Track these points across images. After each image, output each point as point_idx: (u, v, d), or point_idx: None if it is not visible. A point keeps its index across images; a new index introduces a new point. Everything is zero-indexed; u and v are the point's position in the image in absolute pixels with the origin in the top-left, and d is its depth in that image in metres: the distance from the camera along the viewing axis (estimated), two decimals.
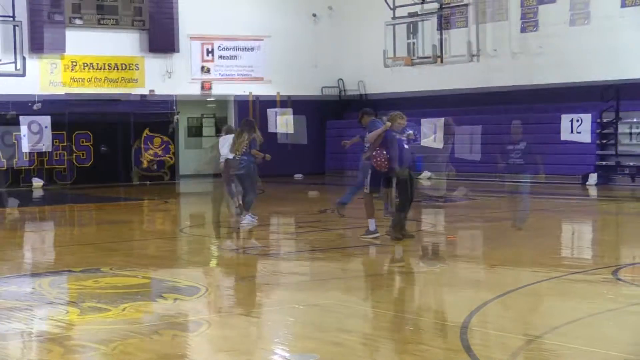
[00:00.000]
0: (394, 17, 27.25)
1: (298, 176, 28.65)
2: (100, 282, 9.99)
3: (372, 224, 13.15)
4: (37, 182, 25.52)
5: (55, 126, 25.44)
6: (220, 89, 29.00)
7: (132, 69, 27.31)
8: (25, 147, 24.97)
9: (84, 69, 26.56)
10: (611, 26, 23.25)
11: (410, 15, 27.05)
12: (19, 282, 10.30)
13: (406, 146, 12.55)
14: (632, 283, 9.91)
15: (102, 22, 26.78)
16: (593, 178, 23.21)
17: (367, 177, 13.11)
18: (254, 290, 9.82)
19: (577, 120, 23.25)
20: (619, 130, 23.19)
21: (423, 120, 23.18)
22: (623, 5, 23.26)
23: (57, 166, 25.99)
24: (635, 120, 22.96)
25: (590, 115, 23.11)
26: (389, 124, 12.48)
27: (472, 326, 7.45)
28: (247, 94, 29.30)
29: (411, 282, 10.28)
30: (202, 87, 28.62)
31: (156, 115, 27.47)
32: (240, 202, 14.32)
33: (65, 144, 26.05)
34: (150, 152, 27.45)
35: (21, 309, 8.50)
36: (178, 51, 27.75)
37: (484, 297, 8.70)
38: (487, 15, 25.77)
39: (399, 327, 7.77)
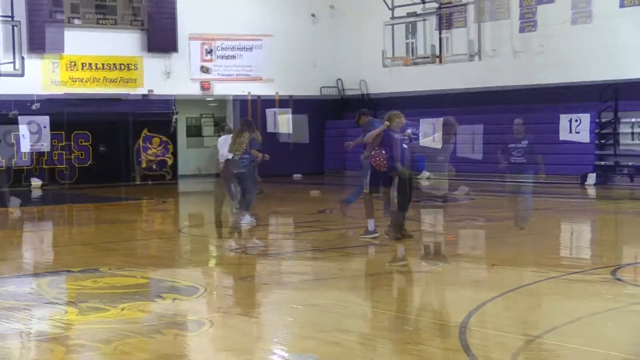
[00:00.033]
0: (393, 17, 27.27)
1: (297, 176, 28.64)
2: (99, 282, 9.99)
3: (371, 224, 13.14)
4: (36, 182, 25.51)
5: (54, 126, 25.43)
6: (219, 89, 28.99)
7: (131, 69, 27.30)
8: (25, 147, 24.96)
9: (83, 68, 26.54)
10: (610, 26, 23.25)
11: (409, 15, 27.07)
12: (17, 282, 10.30)
13: (405, 145, 12.54)
14: (631, 283, 9.91)
15: (100, 22, 26.77)
16: (592, 178, 23.21)
17: (367, 177, 13.10)
18: (253, 290, 9.81)
19: (576, 120, 23.26)
20: (619, 130, 23.18)
21: (422, 120, 23.20)
22: (622, 5, 23.26)
23: (58, 166, 25.97)
24: (634, 120, 22.96)
25: (589, 115, 23.12)
26: (387, 123, 12.47)
27: (471, 326, 7.45)
28: (246, 93, 29.29)
29: (410, 282, 10.27)
30: (202, 87, 28.60)
31: (155, 115, 27.45)
32: (239, 202, 14.31)
33: (64, 143, 26.03)
34: (150, 152, 27.44)
35: (20, 309, 8.49)
36: (177, 51, 27.74)
37: (483, 297, 8.69)
38: (488, 14, 25.77)
39: (397, 327, 7.76)
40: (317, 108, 29.63)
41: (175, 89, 27.85)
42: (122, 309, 8.33)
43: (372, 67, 28.56)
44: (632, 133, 22.92)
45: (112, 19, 26.90)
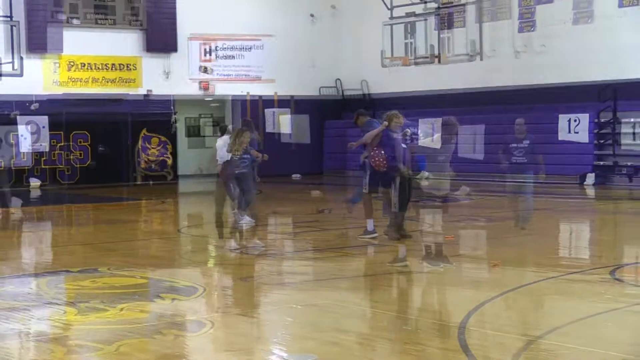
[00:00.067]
0: (392, 17, 27.27)
1: (296, 176, 28.64)
2: (97, 282, 9.99)
3: (370, 224, 13.14)
4: (35, 182, 25.49)
5: (52, 126, 25.42)
6: (218, 89, 28.98)
7: (130, 69, 27.28)
8: (24, 147, 24.95)
9: (82, 69, 26.52)
10: (609, 26, 23.25)
11: (408, 15, 27.08)
12: (16, 283, 10.29)
13: (404, 145, 12.53)
14: (629, 283, 9.91)
15: (99, 22, 26.75)
16: (591, 178, 23.21)
17: (366, 177, 13.10)
18: (252, 291, 9.81)
19: (575, 120, 23.26)
20: (620, 130, 23.17)
21: (421, 120, 23.17)
22: (620, 5, 23.27)
23: (58, 166, 25.94)
24: (632, 120, 22.96)
25: (587, 115, 23.12)
26: (386, 123, 12.47)
27: (470, 326, 7.45)
28: (245, 93, 29.28)
29: (409, 282, 10.27)
30: (201, 87, 28.57)
31: (154, 115, 27.44)
32: (238, 202, 14.29)
33: (62, 143, 26.01)
34: (150, 152, 27.42)
35: (19, 309, 8.48)
36: (176, 51, 27.73)
37: (482, 297, 8.70)
38: (490, 14, 25.77)
39: (396, 327, 7.76)
40: (316, 108, 29.63)
41: (175, 89, 27.84)
42: (121, 309, 8.33)
43: (372, 67, 28.56)
44: (633, 133, 22.88)
45: (111, 19, 26.88)
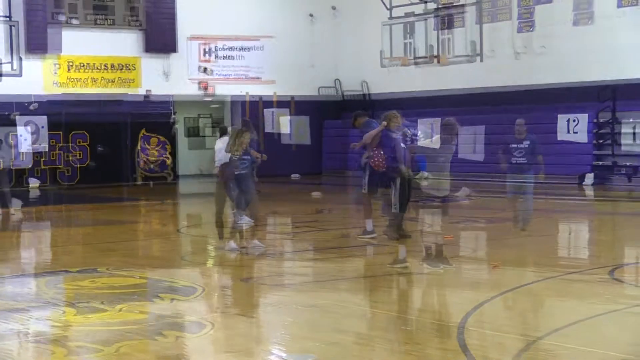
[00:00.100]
0: (391, 17, 27.28)
1: (295, 176, 28.64)
2: (97, 282, 9.99)
3: (369, 224, 13.14)
4: (34, 183, 25.48)
5: (51, 126, 25.42)
6: (217, 89, 28.96)
7: (129, 69, 27.27)
8: (23, 147, 24.94)
9: (81, 69, 26.51)
10: (608, 26, 23.26)
11: (407, 15, 27.08)
12: (15, 283, 10.30)
13: (403, 145, 12.51)
14: (628, 283, 9.92)
15: (98, 22, 26.72)
16: (589, 178, 23.22)
17: (365, 178, 13.10)
18: (251, 291, 9.81)
19: (574, 120, 23.27)
20: (620, 130, 23.17)
21: (421, 120, 23.14)
22: (619, 5, 23.28)
23: (57, 166, 25.92)
24: (632, 120, 22.96)
25: (586, 115, 23.13)
26: (384, 123, 12.45)
27: (469, 326, 7.46)
28: (244, 94, 29.29)
29: (408, 282, 10.26)
30: (200, 88, 28.55)
31: (153, 116, 27.43)
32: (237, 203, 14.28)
33: (62, 144, 26.00)
34: (150, 152, 27.39)
35: (19, 310, 8.48)
36: (176, 51, 27.71)
37: (481, 297, 8.70)
38: (490, 15, 25.78)
39: (395, 328, 7.77)
40: (315, 108, 29.63)
41: (174, 89, 27.83)
42: (120, 309, 8.33)
43: (372, 67, 28.58)
44: (633, 133, 22.86)
45: (110, 19, 26.87)
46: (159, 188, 25.71)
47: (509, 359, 6.53)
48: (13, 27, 25.01)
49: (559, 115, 23.37)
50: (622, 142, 23.16)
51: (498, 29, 25.69)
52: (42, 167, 25.73)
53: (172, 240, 14.75)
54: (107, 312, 8.22)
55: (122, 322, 7.82)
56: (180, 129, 29.47)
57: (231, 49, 29.02)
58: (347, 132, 22.85)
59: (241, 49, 29.16)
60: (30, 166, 25.30)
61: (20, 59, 25.28)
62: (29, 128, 25.08)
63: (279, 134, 28.61)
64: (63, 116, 25.63)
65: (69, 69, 26.29)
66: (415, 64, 27.30)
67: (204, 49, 28.57)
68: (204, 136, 30.25)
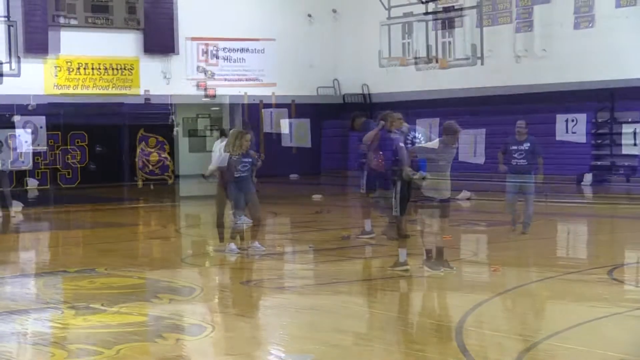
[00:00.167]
0: (389, 17, 27.29)
1: (294, 176, 28.63)
2: (95, 282, 9.99)
3: (368, 224, 13.15)
4: (33, 183, 25.46)
5: (50, 126, 25.40)
6: (217, 91, 28.92)
7: (128, 69, 27.25)
8: (22, 147, 24.92)
9: (79, 69, 26.49)
10: (607, 27, 23.27)
11: (406, 15, 27.10)
12: (14, 283, 10.29)
13: (401, 144, 12.50)
14: (627, 283, 9.93)
15: (97, 22, 26.69)
16: (588, 178, 23.24)
17: (363, 178, 13.10)
18: (250, 291, 9.81)
19: (572, 121, 23.28)
20: (620, 130, 23.17)
21: (421, 122, 23.13)
22: (618, 5, 23.28)
23: (57, 167, 25.89)
24: (630, 120, 22.97)
25: (585, 115, 23.14)
26: (382, 123, 12.45)
27: (468, 327, 7.46)
28: (242, 94, 29.26)
29: (407, 282, 10.26)
30: (198, 88, 28.52)
31: (152, 115, 27.39)
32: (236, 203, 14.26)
33: (60, 144, 25.97)
34: (151, 155, 27.35)
35: (19, 311, 8.48)
36: (175, 52, 27.69)
37: (480, 298, 8.71)
38: (491, 18, 25.79)
39: (395, 329, 7.77)
40: (314, 109, 29.61)
41: (173, 90, 27.80)
42: (119, 310, 8.32)
43: (371, 68, 28.60)
44: (634, 133, 22.86)
45: (109, 20, 26.82)
46: (159, 188, 25.67)
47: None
48: (11, 28, 24.99)
49: (558, 116, 23.38)
50: (621, 142, 23.16)
51: (498, 32, 25.69)
52: (43, 169, 25.69)
53: (172, 241, 14.75)
54: (107, 313, 8.22)
55: (121, 323, 7.81)
56: (180, 129, 29.45)
57: (231, 50, 29.00)
58: (346, 132, 22.89)
59: (241, 50, 29.13)
60: (30, 167, 25.28)
61: (19, 59, 25.25)
62: (27, 128, 25.06)
63: (278, 135, 28.60)
64: (61, 116, 25.61)
65: (67, 70, 26.26)
66: (415, 64, 27.32)
67: (202, 49, 28.53)
68: (205, 136, 30.22)
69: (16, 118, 24.95)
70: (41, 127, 25.28)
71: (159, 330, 7.60)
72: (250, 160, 12.23)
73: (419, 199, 10.54)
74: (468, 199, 19.47)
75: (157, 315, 8.31)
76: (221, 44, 28.80)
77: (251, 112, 28.79)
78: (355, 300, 9.24)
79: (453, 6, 26.54)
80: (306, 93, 29.96)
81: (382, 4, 27.44)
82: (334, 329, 7.61)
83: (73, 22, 26.19)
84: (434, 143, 10.59)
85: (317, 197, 20.91)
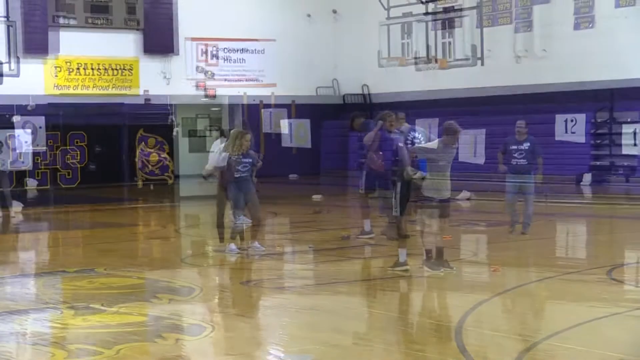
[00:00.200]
0: (389, 17, 27.30)
1: (293, 176, 28.63)
2: (95, 282, 9.99)
3: (367, 224, 13.15)
4: (32, 183, 25.46)
5: (49, 126, 25.39)
6: (217, 91, 28.92)
7: (128, 69, 27.25)
8: (21, 147, 24.92)
9: (79, 70, 26.49)
10: (606, 27, 23.28)
11: (405, 15, 27.10)
12: (14, 283, 10.29)
13: (401, 144, 12.49)
14: (627, 283, 9.93)
15: (97, 22, 26.69)
16: (587, 178, 23.24)
17: (362, 178, 13.10)
18: (250, 291, 9.81)
19: (572, 121, 23.28)
20: (620, 130, 23.17)
21: (420, 122, 23.14)
22: (617, 5, 23.28)
23: (57, 167, 25.89)
24: (630, 120, 22.97)
25: (584, 115, 23.14)
26: (381, 122, 12.45)
27: (468, 327, 7.46)
28: (242, 94, 29.26)
29: (407, 282, 10.26)
30: (197, 88, 28.52)
31: (151, 116, 27.39)
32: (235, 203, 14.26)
33: (60, 144, 25.97)
34: (151, 155, 27.34)
35: (18, 311, 8.48)
36: (174, 52, 27.69)
37: (479, 298, 8.71)
38: (491, 19, 25.80)
39: (394, 328, 7.78)
40: (314, 109, 29.61)
41: (172, 90, 27.80)
42: (119, 310, 8.32)
43: (371, 69, 28.61)
44: (634, 133, 22.86)
45: (108, 20, 26.82)
46: (159, 189, 25.67)
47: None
48: (11, 28, 24.99)
49: (557, 116, 23.38)
50: (621, 142, 23.16)
51: (498, 32, 25.69)
52: (42, 169, 25.69)
53: (171, 241, 14.75)
54: (106, 313, 8.22)
55: (121, 323, 7.81)
56: (179, 129, 29.44)
57: (231, 50, 28.99)
58: (345, 132, 22.89)
59: (241, 50, 29.13)
60: (30, 167, 25.28)
61: (18, 59, 25.25)
62: (26, 128, 25.06)
63: (278, 135, 28.60)
64: (61, 117, 25.60)
65: (67, 70, 26.26)
66: (415, 64, 27.33)
67: (202, 49, 28.53)
68: (204, 136, 30.22)
69: (16, 118, 24.96)
70: (41, 128, 25.28)
71: (158, 330, 7.60)
72: (250, 160, 12.21)
73: (419, 199, 10.53)
74: (468, 199, 19.48)
75: (156, 315, 8.31)
76: (221, 44, 28.80)
77: (251, 113, 28.76)
78: (355, 300, 9.24)
79: (453, 6, 26.54)
80: (306, 93, 29.97)
81: (382, 4, 27.45)
82: (333, 329, 7.61)
83: (73, 22, 26.19)
84: (434, 143, 10.59)
85: (317, 197, 20.90)
